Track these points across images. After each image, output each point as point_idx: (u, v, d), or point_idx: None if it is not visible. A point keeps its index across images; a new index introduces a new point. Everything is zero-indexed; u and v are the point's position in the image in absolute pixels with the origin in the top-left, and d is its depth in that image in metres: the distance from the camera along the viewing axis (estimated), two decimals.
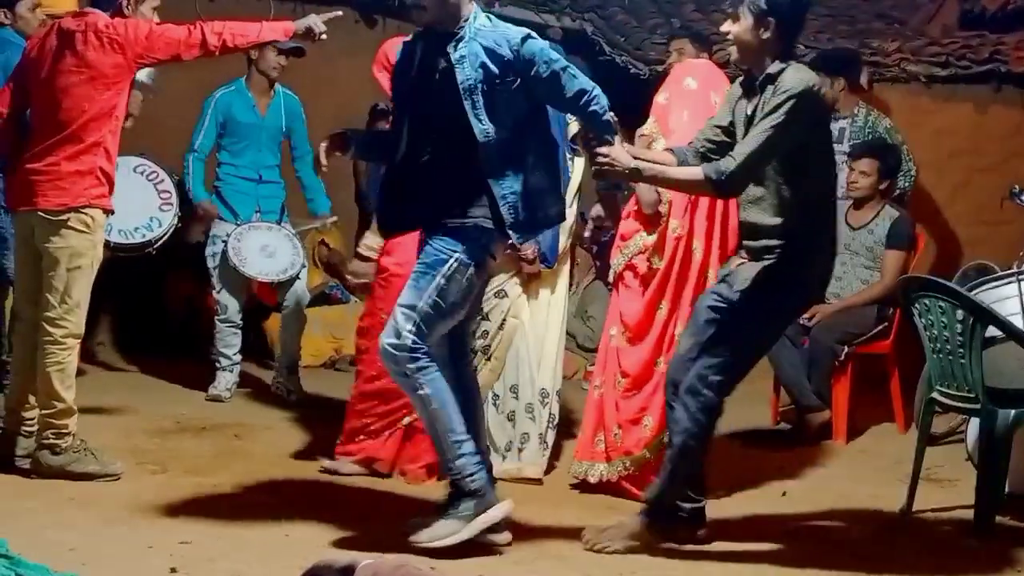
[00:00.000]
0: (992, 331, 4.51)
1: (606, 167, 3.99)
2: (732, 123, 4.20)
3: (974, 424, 4.92)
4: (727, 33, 4.15)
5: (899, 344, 6.13)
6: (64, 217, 4.49)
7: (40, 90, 4.57)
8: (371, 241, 4.84)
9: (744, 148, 3.98)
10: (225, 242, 6.16)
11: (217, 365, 6.30)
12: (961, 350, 4.55)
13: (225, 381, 6.27)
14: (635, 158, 4.03)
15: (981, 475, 4.52)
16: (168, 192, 5.91)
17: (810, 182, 4.11)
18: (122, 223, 5.72)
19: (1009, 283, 4.74)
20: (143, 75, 5.08)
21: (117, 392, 6.25)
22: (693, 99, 4.73)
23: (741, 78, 4.26)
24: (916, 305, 4.74)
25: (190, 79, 6.17)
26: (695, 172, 4.06)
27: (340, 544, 3.99)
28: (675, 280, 4.72)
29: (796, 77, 4.01)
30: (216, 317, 6.33)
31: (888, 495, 4.98)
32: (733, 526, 4.47)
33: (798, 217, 4.11)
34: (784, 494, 5.03)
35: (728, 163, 3.97)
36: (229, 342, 6.29)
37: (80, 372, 6.48)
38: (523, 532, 4.20)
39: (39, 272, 4.56)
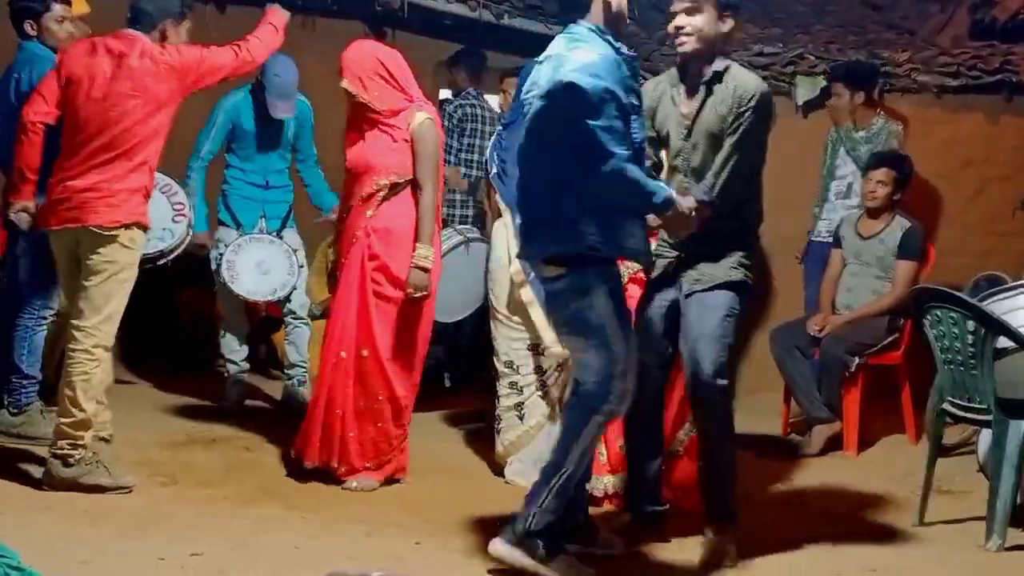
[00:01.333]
0: (1004, 342, 4.50)
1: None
2: (658, 130, 4.29)
3: (986, 435, 4.91)
4: (683, 27, 4.14)
5: (910, 355, 6.11)
6: (114, 233, 4.60)
7: (89, 109, 4.62)
8: (426, 251, 4.91)
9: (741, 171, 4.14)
10: (227, 248, 6.17)
11: (225, 374, 6.30)
12: (973, 361, 4.54)
13: (235, 392, 6.28)
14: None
15: (993, 486, 4.50)
16: (181, 204, 5.91)
17: (759, 183, 4.30)
18: None
19: (1021, 294, 4.72)
20: None
21: (127, 405, 6.23)
22: None
23: (666, 76, 4.33)
24: (927, 316, 4.73)
25: (194, 96, 6.17)
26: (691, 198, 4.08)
27: (351, 557, 3.99)
28: None
29: (753, 78, 4.17)
30: (220, 323, 6.35)
31: (899, 507, 4.98)
32: (744, 537, 4.45)
33: (751, 215, 4.30)
34: (766, 492, 5.01)
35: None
36: (233, 347, 6.30)
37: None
38: None
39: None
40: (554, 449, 3.97)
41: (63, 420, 4.62)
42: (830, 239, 6.49)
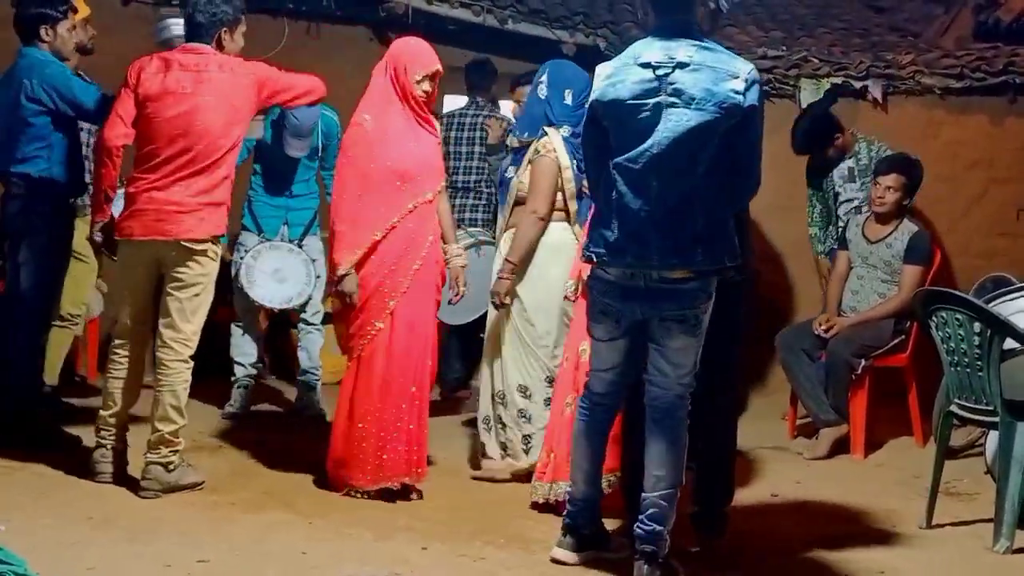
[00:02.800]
0: (1010, 343, 4.50)
1: None
2: None
3: (993, 437, 4.90)
4: None
5: (916, 357, 6.11)
6: (204, 247, 4.71)
7: (173, 124, 4.68)
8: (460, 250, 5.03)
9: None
10: (247, 253, 6.18)
11: (233, 379, 6.31)
12: (979, 363, 4.53)
13: (241, 398, 6.28)
14: None
15: (1001, 488, 4.49)
16: None
17: None
18: None
19: None
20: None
21: (134, 409, 6.26)
22: None
23: None
24: (933, 318, 4.73)
25: None
26: None
27: (358, 562, 3.99)
28: None
29: None
30: (233, 323, 6.36)
31: (907, 509, 4.97)
32: (750, 540, 4.46)
33: None
34: (774, 495, 4.99)
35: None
36: (244, 350, 6.31)
37: (98, 390, 6.56)
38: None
39: (154, 297, 4.79)
40: (667, 469, 3.91)
41: (165, 428, 4.73)
42: None
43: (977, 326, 4.51)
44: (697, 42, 3.86)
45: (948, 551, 4.46)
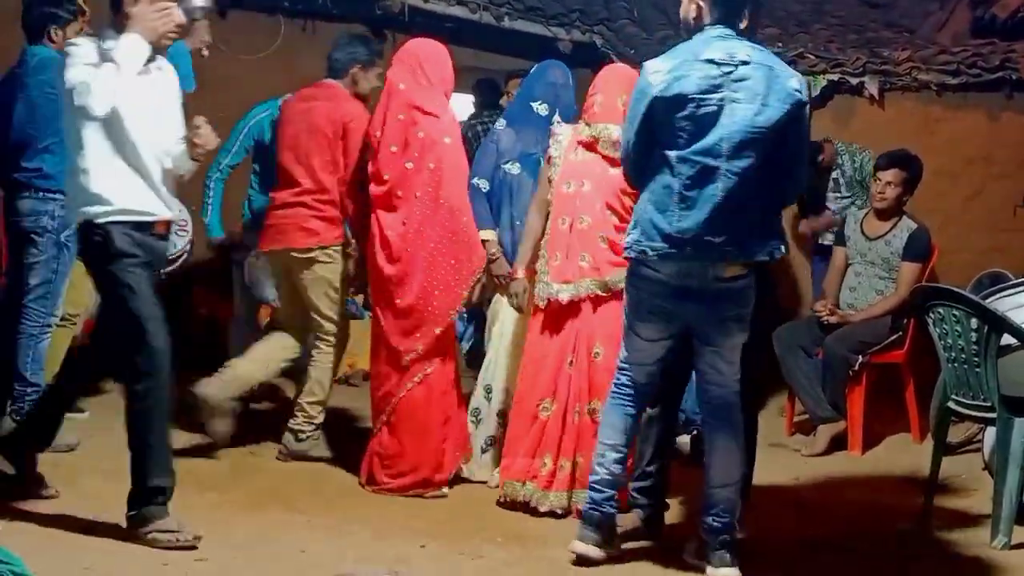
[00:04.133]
0: (1007, 339, 4.50)
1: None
2: None
3: (990, 433, 4.90)
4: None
5: (914, 353, 6.12)
6: (313, 255, 5.32)
7: (302, 149, 5.38)
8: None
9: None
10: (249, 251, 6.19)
11: None
12: (976, 359, 4.54)
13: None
14: None
15: (998, 484, 4.50)
16: (184, 220, 5.97)
17: None
18: None
19: (1023, 291, 4.73)
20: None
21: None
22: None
23: None
24: (930, 314, 4.73)
25: (194, 101, 6.18)
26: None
27: (357, 560, 3.99)
28: None
29: None
30: (233, 319, 6.35)
31: (904, 505, 4.98)
32: (748, 536, 4.46)
33: None
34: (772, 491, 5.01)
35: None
36: (244, 347, 6.29)
37: (98, 390, 6.56)
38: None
39: (295, 300, 5.46)
40: (734, 462, 4.08)
41: (306, 399, 5.33)
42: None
43: (974, 322, 4.51)
44: (750, 43, 3.99)
45: (946, 547, 4.47)
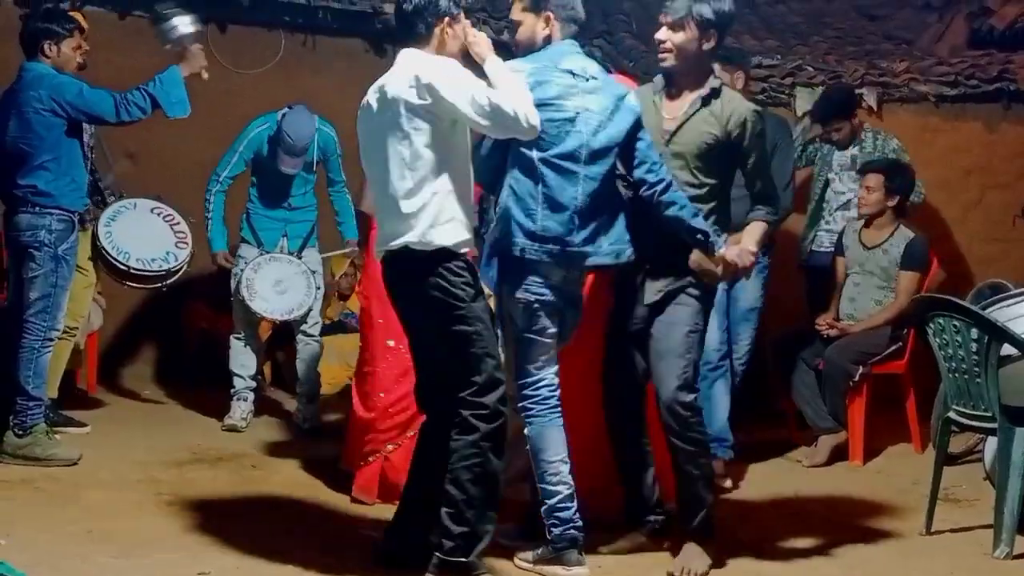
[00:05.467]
0: (1008, 349, 4.50)
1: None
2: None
3: (991, 443, 4.90)
4: (664, 42, 4.24)
5: (914, 364, 6.12)
6: None
7: None
8: None
9: (776, 182, 4.41)
10: (247, 265, 6.20)
11: (232, 391, 6.31)
12: (977, 369, 4.54)
13: (240, 410, 6.27)
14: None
15: (1000, 494, 4.50)
16: (183, 232, 6.00)
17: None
18: (140, 253, 5.84)
19: (1023, 301, 4.73)
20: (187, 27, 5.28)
21: (134, 422, 6.27)
22: None
23: (650, 86, 4.41)
24: (931, 324, 4.74)
25: (194, 115, 6.21)
26: (762, 227, 4.35)
27: (360, 572, 3.99)
28: None
29: (747, 103, 4.33)
30: (232, 335, 6.36)
31: (906, 516, 4.97)
32: (750, 547, 4.46)
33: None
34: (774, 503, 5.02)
35: (775, 202, 4.43)
36: (243, 362, 6.31)
37: (98, 403, 6.58)
38: None
39: None
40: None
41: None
42: (831, 249, 6.52)
43: (974, 332, 4.52)
44: (591, 60, 4.30)
45: (948, 558, 4.46)
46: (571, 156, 4.07)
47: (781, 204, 4.88)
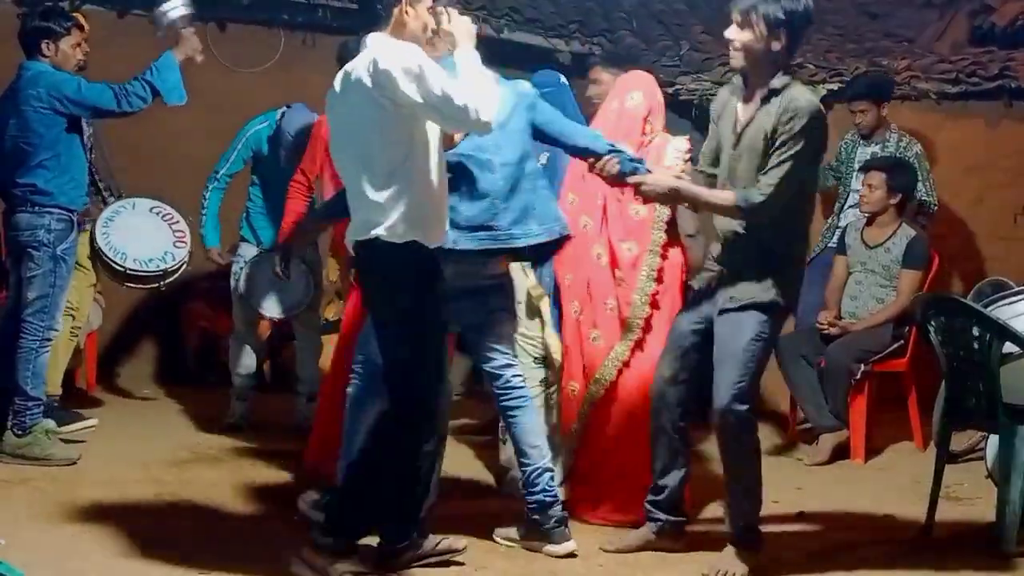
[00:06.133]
0: (1009, 347, 4.49)
1: (647, 191, 4.18)
2: (719, 139, 4.28)
3: (993, 441, 4.89)
4: (732, 40, 4.12)
5: (916, 362, 6.11)
6: None
7: None
8: None
9: (770, 180, 4.02)
10: (246, 264, 6.19)
11: (232, 390, 6.29)
12: (979, 367, 4.52)
13: (240, 409, 6.26)
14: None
15: (1001, 492, 4.49)
16: (182, 232, 5.98)
17: (803, 202, 4.18)
18: (137, 253, 5.82)
19: None
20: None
21: (134, 422, 6.27)
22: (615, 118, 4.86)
23: (729, 87, 4.32)
24: (932, 322, 4.72)
25: (195, 114, 6.21)
26: (727, 197, 4.12)
27: (360, 573, 3.97)
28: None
29: (807, 99, 4.04)
30: (232, 333, 6.35)
31: (908, 514, 4.96)
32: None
33: (787, 236, 4.16)
34: (800, 514, 5.00)
35: (755, 195, 4.03)
36: (243, 361, 6.29)
37: (97, 402, 6.57)
38: None
39: None
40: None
41: None
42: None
43: (976, 330, 4.51)
44: None
45: (949, 556, 4.45)
46: (481, 147, 4.20)
47: (758, 205, 4.07)
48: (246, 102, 6.78)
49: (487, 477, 5.43)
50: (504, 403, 4.39)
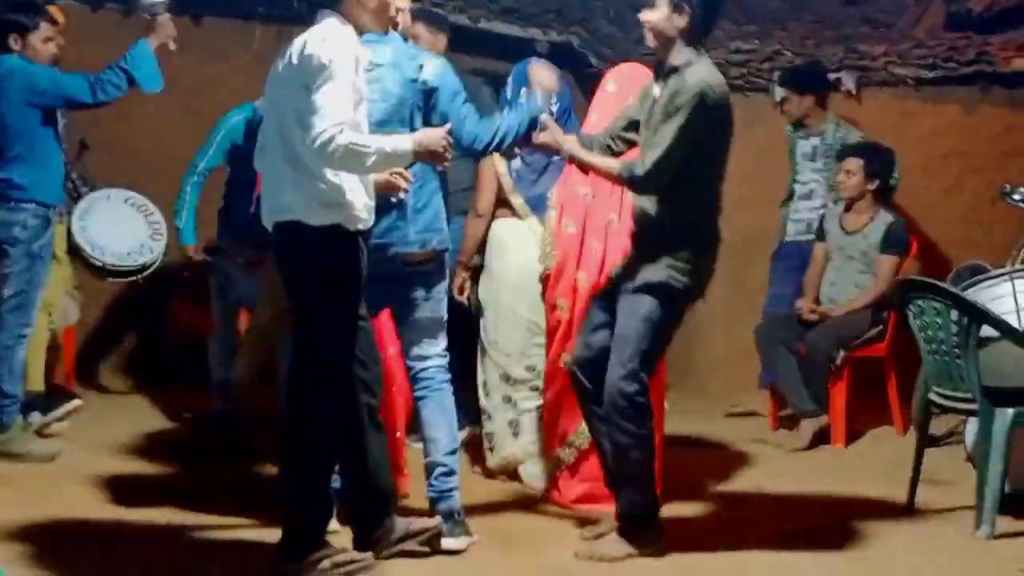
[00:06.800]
0: (988, 330, 4.51)
1: (544, 143, 4.27)
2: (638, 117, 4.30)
3: (973, 424, 4.91)
4: (644, 22, 4.21)
5: (895, 346, 6.13)
6: None
7: None
8: None
9: (652, 154, 4.05)
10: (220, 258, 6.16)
11: (212, 386, 6.27)
12: (957, 350, 4.54)
13: (220, 404, 6.23)
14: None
15: (981, 475, 4.50)
16: (158, 223, 5.96)
17: (700, 182, 4.15)
18: (115, 247, 5.80)
19: (1003, 282, 4.74)
20: None
21: (112, 417, 6.23)
22: (605, 102, 4.80)
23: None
24: (911, 307, 4.74)
25: (169, 107, 6.17)
26: (612, 165, 4.20)
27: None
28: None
29: (697, 77, 4.05)
30: (211, 333, 6.32)
31: (888, 498, 4.98)
32: (732, 531, 4.47)
33: (682, 216, 4.14)
34: (759, 489, 5.02)
35: (638, 168, 4.08)
36: (222, 358, 6.26)
37: (76, 398, 6.52)
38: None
39: None
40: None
41: None
42: (799, 239, 6.57)
43: (954, 314, 4.52)
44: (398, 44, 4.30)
45: (930, 539, 4.47)
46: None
47: (638, 178, 4.10)
48: (222, 95, 6.74)
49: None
50: (414, 391, 4.37)
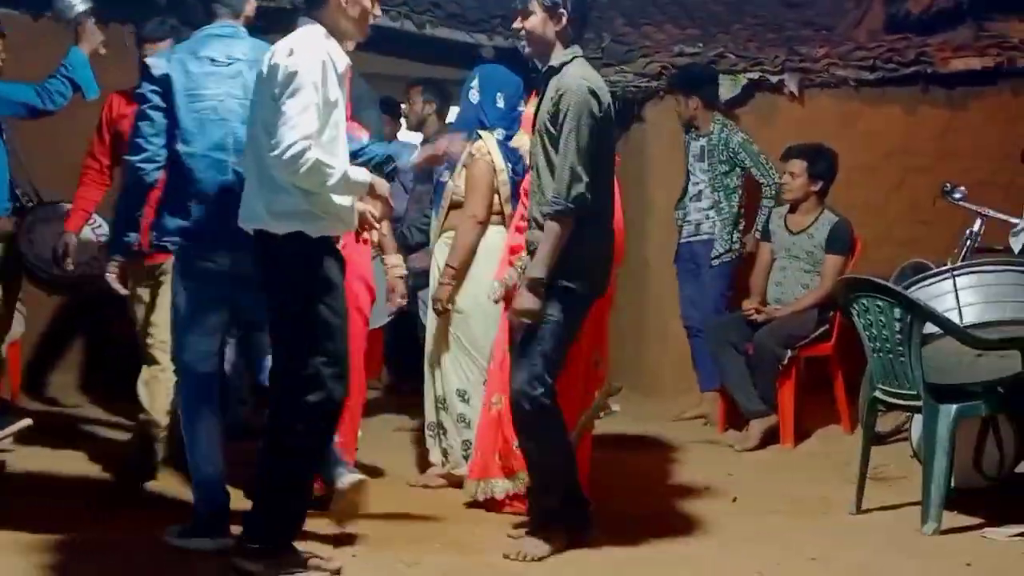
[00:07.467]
0: (930, 328, 4.57)
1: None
2: None
3: (918, 421, 4.97)
4: (519, 30, 4.23)
5: (841, 345, 6.19)
6: None
7: None
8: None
9: (561, 172, 4.06)
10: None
11: None
12: (901, 348, 4.60)
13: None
14: None
15: (927, 471, 4.56)
16: (104, 234, 5.88)
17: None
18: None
19: (944, 279, 4.81)
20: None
21: (61, 432, 6.16)
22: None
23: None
24: (855, 305, 4.79)
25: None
26: (539, 219, 4.16)
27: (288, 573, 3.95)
28: None
29: (573, 80, 4.09)
30: None
31: (837, 496, 5.03)
32: (684, 531, 4.50)
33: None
34: (735, 500, 5.05)
35: (555, 199, 4.05)
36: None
37: (23, 413, 6.43)
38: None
39: None
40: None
41: None
42: (691, 239, 6.70)
43: (898, 312, 4.58)
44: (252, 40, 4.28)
45: (878, 535, 4.52)
46: (220, 147, 4.06)
47: (565, 201, 4.06)
48: None
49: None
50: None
